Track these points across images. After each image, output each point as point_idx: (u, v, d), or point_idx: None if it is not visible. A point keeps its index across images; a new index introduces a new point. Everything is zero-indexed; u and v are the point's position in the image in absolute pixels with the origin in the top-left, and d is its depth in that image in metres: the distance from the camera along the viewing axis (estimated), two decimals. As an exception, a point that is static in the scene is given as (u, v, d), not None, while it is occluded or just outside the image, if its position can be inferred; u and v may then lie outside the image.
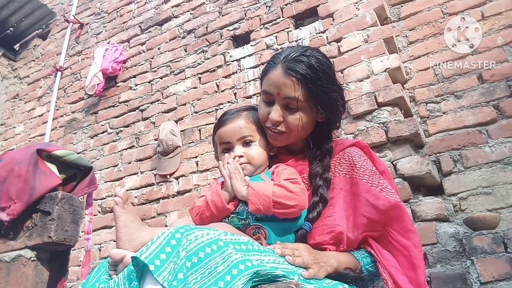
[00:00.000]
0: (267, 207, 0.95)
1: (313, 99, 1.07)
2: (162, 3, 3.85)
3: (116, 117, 3.64)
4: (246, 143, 1.12)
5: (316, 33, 2.80)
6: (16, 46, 4.99)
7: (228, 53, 3.18)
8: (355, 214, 1.05)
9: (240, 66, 3.08)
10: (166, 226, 2.87)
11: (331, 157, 1.14)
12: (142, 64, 3.70)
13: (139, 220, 0.93)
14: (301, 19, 3.01)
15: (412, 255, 1.03)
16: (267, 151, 1.15)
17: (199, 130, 3.08)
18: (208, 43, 3.34)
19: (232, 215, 1.03)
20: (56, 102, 4.19)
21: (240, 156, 1.10)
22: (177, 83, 3.37)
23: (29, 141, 4.21)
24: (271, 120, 1.09)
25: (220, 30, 3.32)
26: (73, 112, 4.03)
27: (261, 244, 0.93)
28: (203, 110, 3.12)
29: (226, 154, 1.07)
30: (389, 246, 1.06)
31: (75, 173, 1.76)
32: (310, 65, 1.06)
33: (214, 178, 1.23)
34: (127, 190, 3.24)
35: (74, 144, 3.81)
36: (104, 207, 3.30)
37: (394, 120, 2.24)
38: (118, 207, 0.90)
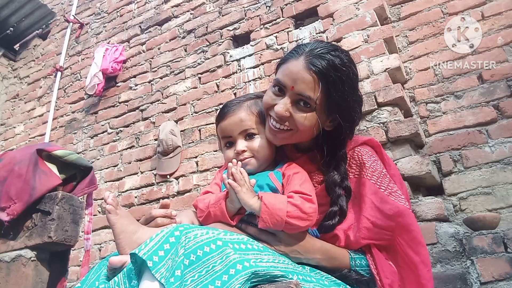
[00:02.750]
0: (279, 226, 0.91)
1: (329, 104, 0.98)
2: (162, 3, 3.85)
3: (116, 117, 3.64)
4: (249, 136, 1.07)
5: (316, 33, 2.80)
6: (16, 46, 4.99)
7: (228, 53, 3.18)
8: (359, 216, 1.00)
9: (240, 66, 3.08)
10: (166, 226, 2.87)
11: (346, 164, 1.06)
12: (142, 64, 3.70)
13: (135, 222, 0.91)
14: (301, 19, 3.01)
15: (421, 275, 0.95)
16: (272, 143, 1.08)
17: (199, 130, 3.07)
18: (208, 43, 3.34)
19: None
20: (56, 102, 4.19)
21: (243, 151, 1.05)
22: (177, 83, 3.37)
23: (29, 141, 4.21)
24: (276, 112, 1.00)
25: (220, 30, 3.32)
26: (73, 112, 4.03)
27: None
28: (203, 110, 3.12)
29: (230, 164, 0.99)
30: (398, 257, 0.99)
31: (75, 173, 1.76)
32: (336, 66, 0.96)
33: (218, 170, 1.18)
34: (127, 190, 3.24)
35: (74, 144, 3.81)
36: (104, 207, 3.29)
37: (394, 120, 2.24)
38: (112, 215, 0.87)
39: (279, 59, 1.11)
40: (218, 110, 1.15)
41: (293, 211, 0.91)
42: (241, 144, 1.06)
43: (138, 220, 0.94)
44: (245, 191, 0.93)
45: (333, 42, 2.66)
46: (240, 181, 0.93)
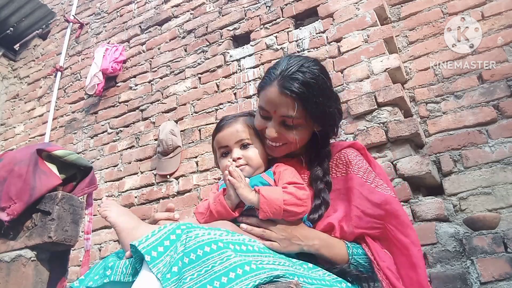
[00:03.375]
0: (277, 214, 0.97)
1: (310, 116, 1.08)
2: (162, 3, 3.85)
3: (116, 117, 3.64)
4: (244, 146, 1.14)
5: (316, 33, 2.80)
6: (16, 46, 4.99)
7: (228, 53, 3.18)
8: (349, 207, 1.05)
9: (240, 66, 3.08)
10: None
11: (329, 160, 1.15)
12: (142, 64, 3.70)
13: (135, 218, 0.94)
14: (301, 19, 3.01)
15: (412, 254, 1.02)
16: (265, 153, 1.17)
17: (199, 130, 3.08)
18: (208, 43, 3.34)
19: None
20: (56, 102, 4.19)
21: (239, 158, 1.12)
22: (177, 83, 3.37)
23: (29, 141, 4.21)
24: (268, 136, 1.11)
25: (220, 30, 3.32)
26: (73, 112, 4.03)
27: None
28: (203, 110, 3.12)
29: (227, 163, 1.06)
30: (390, 244, 1.05)
31: (75, 173, 1.76)
32: (307, 83, 1.04)
33: (216, 181, 1.24)
34: (127, 190, 3.24)
35: (74, 144, 3.81)
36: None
37: (394, 120, 2.24)
38: (109, 217, 0.91)
39: (259, 82, 1.19)
40: (215, 126, 1.22)
41: (289, 198, 0.97)
42: (237, 152, 1.13)
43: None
44: (243, 187, 1.00)
45: (333, 42, 2.67)
46: (238, 177, 1.01)
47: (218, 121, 3.08)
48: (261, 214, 0.96)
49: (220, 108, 3.03)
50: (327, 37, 2.73)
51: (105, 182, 3.41)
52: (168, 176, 3.05)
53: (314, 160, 1.15)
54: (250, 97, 2.92)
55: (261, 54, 3.00)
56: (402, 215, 1.06)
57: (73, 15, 4.51)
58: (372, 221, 1.04)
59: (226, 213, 1.01)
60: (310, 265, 0.95)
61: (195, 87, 3.25)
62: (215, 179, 2.79)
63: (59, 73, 4.29)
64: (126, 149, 3.43)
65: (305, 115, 1.07)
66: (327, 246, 1.00)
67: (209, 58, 3.27)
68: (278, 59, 2.86)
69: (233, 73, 3.08)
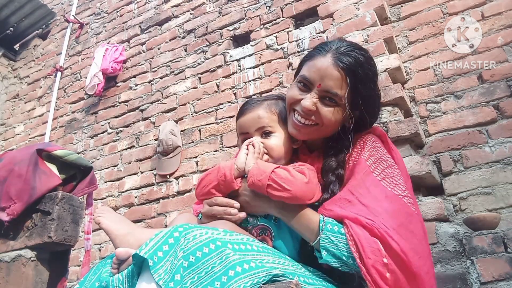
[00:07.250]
0: (263, 183, 0.92)
1: (355, 100, 1.00)
2: (162, 3, 3.85)
3: (116, 117, 3.64)
4: (266, 134, 1.07)
5: (316, 33, 2.80)
6: (16, 46, 4.99)
7: (228, 53, 3.18)
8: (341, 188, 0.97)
9: (240, 66, 3.08)
10: (166, 226, 2.87)
11: (348, 152, 1.04)
12: (142, 64, 3.70)
13: (128, 224, 0.93)
14: (301, 19, 3.01)
15: (412, 264, 0.84)
16: (289, 144, 1.08)
17: (199, 130, 3.08)
18: (208, 43, 3.34)
19: None
20: (56, 102, 4.19)
21: None
22: (177, 83, 3.37)
23: (29, 141, 4.21)
24: (303, 107, 1.00)
25: (220, 30, 3.32)
26: (73, 112, 4.03)
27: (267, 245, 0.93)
28: (203, 110, 3.12)
29: (254, 139, 1.04)
30: None
31: (75, 173, 1.76)
32: (362, 63, 1.00)
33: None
34: (127, 190, 3.24)
35: (74, 144, 3.81)
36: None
37: (394, 120, 2.24)
38: (102, 223, 0.91)
39: (304, 55, 1.11)
40: (239, 108, 1.15)
41: (281, 172, 0.93)
42: (257, 140, 1.06)
43: (140, 221, 0.96)
44: (254, 157, 0.99)
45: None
46: (259, 149, 1.01)
47: (218, 121, 3.09)
48: (249, 179, 0.94)
49: (220, 108, 3.03)
50: (327, 37, 2.73)
51: (105, 182, 3.41)
52: (168, 176, 3.05)
53: (331, 151, 1.04)
54: (250, 97, 2.92)
55: (261, 54, 3.00)
56: (407, 218, 0.89)
57: (73, 15, 4.51)
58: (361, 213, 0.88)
59: (229, 179, 0.98)
60: (310, 268, 0.94)
61: (195, 87, 3.25)
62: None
63: (59, 73, 4.29)
64: (126, 149, 3.43)
65: (350, 98, 0.99)
66: (288, 210, 0.93)
67: (209, 58, 3.27)
68: (279, 59, 2.87)
69: (233, 73, 3.08)
